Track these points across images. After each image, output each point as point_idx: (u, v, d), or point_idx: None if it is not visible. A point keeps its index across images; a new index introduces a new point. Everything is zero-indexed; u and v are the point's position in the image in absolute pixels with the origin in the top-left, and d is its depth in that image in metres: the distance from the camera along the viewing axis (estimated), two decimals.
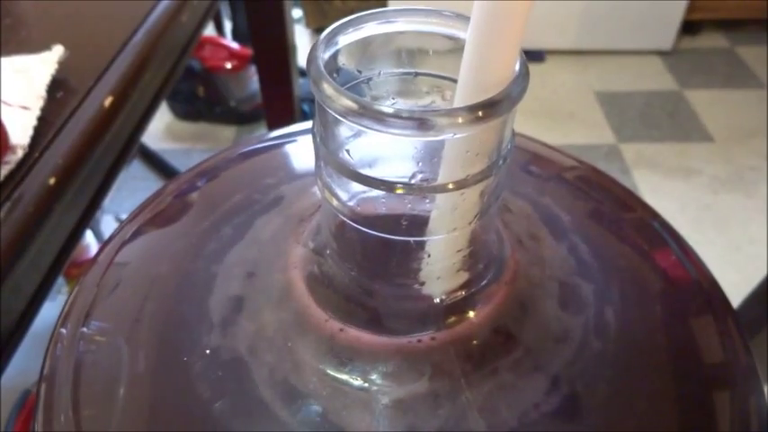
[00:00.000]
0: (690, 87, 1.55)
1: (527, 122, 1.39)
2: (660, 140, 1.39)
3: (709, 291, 0.22)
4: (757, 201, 1.24)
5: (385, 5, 1.63)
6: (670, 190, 1.27)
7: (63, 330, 0.20)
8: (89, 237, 0.89)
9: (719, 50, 1.69)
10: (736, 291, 0.60)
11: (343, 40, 0.15)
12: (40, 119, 0.34)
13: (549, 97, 1.51)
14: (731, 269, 1.08)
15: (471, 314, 0.17)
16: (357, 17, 0.15)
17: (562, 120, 1.45)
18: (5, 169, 0.30)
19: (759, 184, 1.28)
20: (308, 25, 1.75)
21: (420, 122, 0.12)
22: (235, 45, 1.35)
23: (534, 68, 1.60)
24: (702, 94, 1.53)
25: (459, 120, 0.12)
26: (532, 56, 1.64)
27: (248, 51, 1.31)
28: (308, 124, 0.28)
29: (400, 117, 0.12)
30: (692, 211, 1.22)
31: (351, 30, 0.15)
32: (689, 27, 1.68)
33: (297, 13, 1.73)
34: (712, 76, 1.59)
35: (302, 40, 1.70)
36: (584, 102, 1.51)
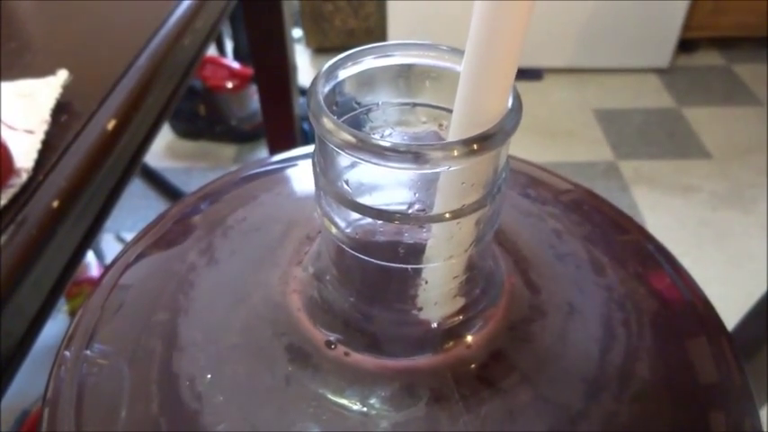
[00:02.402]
0: (687, 105, 1.57)
1: (525, 140, 1.40)
2: (658, 157, 1.40)
3: (704, 312, 0.22)
4: (756, 217, 1.24)
5: (384, 25, 1.65)
6: (669, 207, 1.27)
7: (66, 353, 0.20)
8: (89, 255, 0.89)
9: (716, 68, 1.70)
10: (737, 308, 0.60)
11: (343, 73, 0.16)
12: (44, 142, 0.34)
13: (547, 115, 1.52)
14: (731, 286, 1.08)
15: (468, 339, 0.17)
16: (356, 51, 0.16)
17: (560, 137, 1.46)
18: (9, 193, 0.31)
19: (758, 201, 1.28)
20: (308, 45, 1.76)
21: (416, 156, 0.13)
22: (236, 65, 1.36)
23: (532, 86, 1.62)
24: (700, 111, 1.54)
25: (455, 153, 0.13)
26: (530, 74, 1.65)
27: (249, 71, 1.33)
28: (309, 148, 0.28)
29: (397, 151, 0.13)
30: (692, 227, 1.22)
31: (350, 64, 0.16)
32: (685, 45, 1.70)
33: (297, 32, 1.75)
34: (709, 94, 1.60)
35: (302, 59, 1.71)
36: (582, 119, 1.52)
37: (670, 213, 1.25)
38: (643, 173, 1.36)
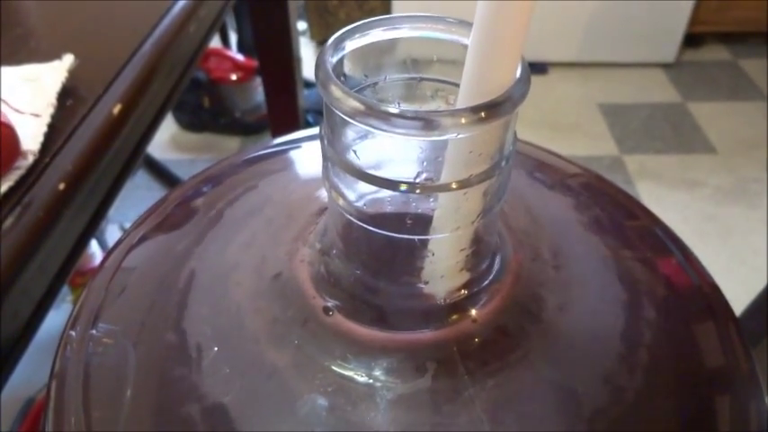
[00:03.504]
0: (693, 99, 1.56)
1: (530, 133, 1.39)
2: (663, 152, 1.40)
3: (711, 296, 0.22)
4: (761, 212, 1.24)
5: None
6: (673, 201, 1.27)
7: (72, 333, 0.20)
8: (94, 246, 0.89)
9: (722, 63, 1.69)
10: (741, 302, 0.60)
11: (350, 45, 0.16)
12: (51, 126, 0.34)
13: (552, 109, 1.52)
14: (735, 281, 1.07)
15: (474, 312, 0.17)
16: (364, 23, 0.16)
17: (565, 131, 1.46)
18: (17, 174, 0.31)
19: (762, 196, 1.28)
20: (312, 37, 1.76)
21: (425, 122, 0.13)
22: (240, 57, 1.36)
23: (537, 80, 1.61)
24: (705, 106, 1.54)
25: (463, 120, 0.13)
26: (535, 68, 1.65)
27: (253, 63, 1.33)
28: (310, 131, 0.28)
29: (405, 117, 0.13)
30: (696, 222, 1.22)
31: (357, 35, 0.16)
32: (691, 40, 1.69)
33: (302, 25, 1.74)
34: (715, 89, 1.60)
35: (307, 52, 1.71)
36: (587, 113, 1.52)
37: (674, 208, 1.25)
38: (648, 167, 1.35)
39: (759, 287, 0.63)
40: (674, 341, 0.20)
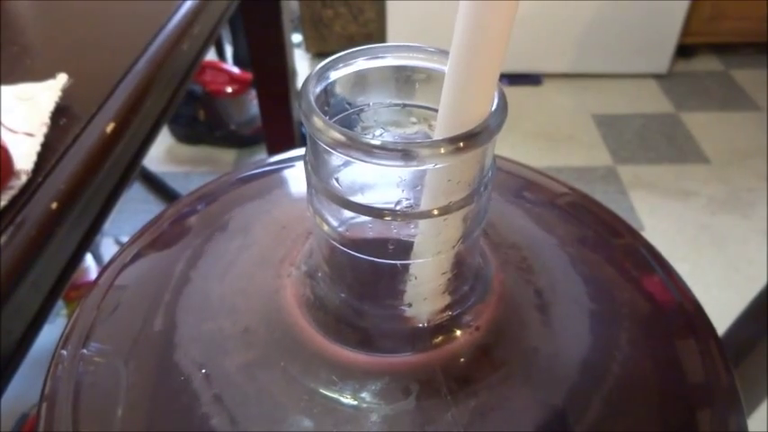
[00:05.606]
0: (686, 110, 1.57)
1: (525, 144, 1.41)
2: (657, 162, 1.41)
3: (693, 313, 0.22)
4: (755, 221, 1.25)
5: (383, 31, 1.65)
6: (668, 211, 1.27)
7: (63, 352, 0.20)
8: (89, 259, 0.89)
9: (714, 74, 1.71)
10: (735, 310, 0.60)
11: (335, 74, 0.16)
12: (44, 145, 0.34)
13: (546, 120, 1.53)
14: (730, 290, 1.08)
15: (457, 334, 0.17)
16: (348, 53, 0.16)
17: (560, 142, 1.47)
18: (9, 194, 0.31)
19: (756, 205, 1.28)
20: (307, 50, 1.77)
21: (404, 153, 0.13)
22: (235, 69, 1.37)
23: (531, 92, 1.62)
24: (698, 116, 1.55)
25: (441, 150, 0.13)
26: (530, 79, 1.66)
27: (248, 76, 1.33)
28: (305, 150, 0.28)
29: (385, 149, 0.13)
30: (690, 231, 1.22)
31: (341, 65, 0.16)
32: (684, 51, 1.70)
33: (297, 38, 1.75)
34: (708, 99, 1.61)
35: (302, 64, 1.72)
36: (581, 124, 1.53)
37: (669, 218, 1.26)
38: (642, 178, 1.36)
39: (753, 296, 0.63)
40: (656, 358, 0.20)
